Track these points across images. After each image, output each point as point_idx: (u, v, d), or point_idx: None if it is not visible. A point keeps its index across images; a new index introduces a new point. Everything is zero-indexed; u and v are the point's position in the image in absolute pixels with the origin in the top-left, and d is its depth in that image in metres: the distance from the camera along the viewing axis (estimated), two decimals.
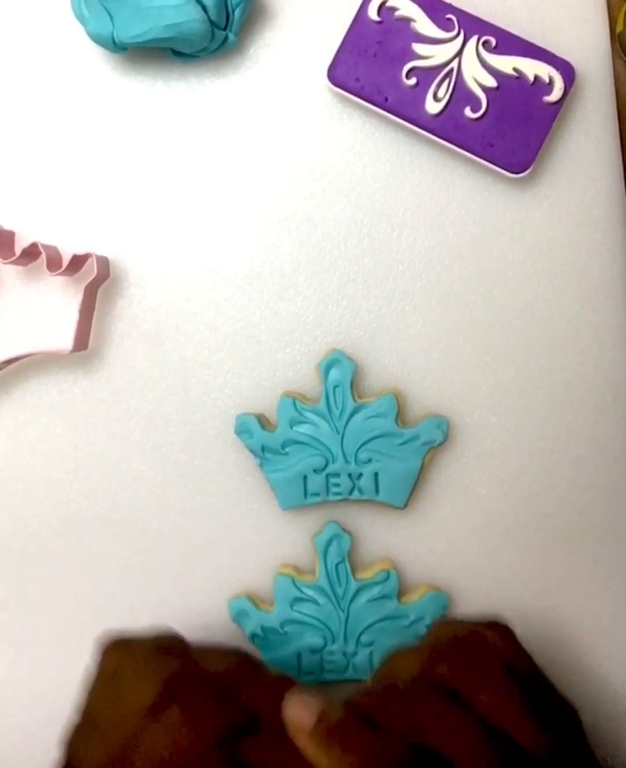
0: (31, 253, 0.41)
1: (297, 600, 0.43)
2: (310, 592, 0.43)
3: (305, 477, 0.42)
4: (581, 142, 0.44)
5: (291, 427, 0.42)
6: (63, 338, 0.42)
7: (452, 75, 0.41)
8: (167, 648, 0.35)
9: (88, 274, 0.41)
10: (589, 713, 0.44)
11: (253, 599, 0.43)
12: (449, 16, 0.41)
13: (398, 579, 0.43)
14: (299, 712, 0.32)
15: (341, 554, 0.43)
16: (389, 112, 0.41)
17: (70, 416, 0.44)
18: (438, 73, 0.41)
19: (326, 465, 0.42)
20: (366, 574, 0.43)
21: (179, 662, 0.34)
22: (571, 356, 0.45)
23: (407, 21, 0.41)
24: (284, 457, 0.42)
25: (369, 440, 0.42)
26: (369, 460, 0.42)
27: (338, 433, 0.42)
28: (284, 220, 0.43)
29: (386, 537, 0.44)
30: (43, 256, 0.40)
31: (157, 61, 0.43)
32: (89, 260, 0.42)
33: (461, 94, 0.41)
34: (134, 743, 0.31)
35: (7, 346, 0.43)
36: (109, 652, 0.35)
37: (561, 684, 0.34)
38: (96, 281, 0.41)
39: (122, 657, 0.35)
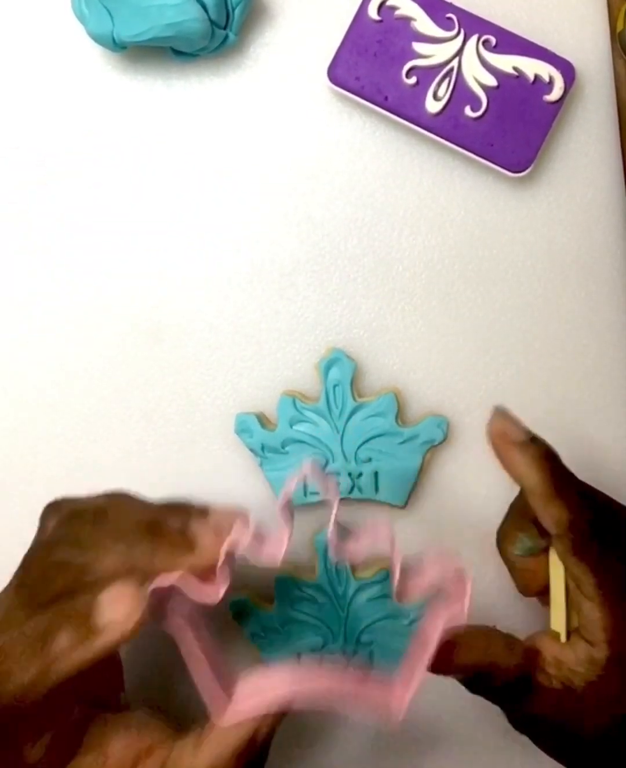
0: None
1: (297, 599, 0.43)
2: (310, 592, 0.43)
3: (304, 476, 0.42)
4: (581, 141, 0.44)
5: (291, 426, 0.42)
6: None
7: (452, 74, 0.41)
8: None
9: (451, 619, 0.33)
10: None
11: (253, 598, 0.43)
12: (449, 15, 0.41)
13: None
14: (511, 426, 0.35)
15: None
16: (389, 111, 0.41)
17: (70, 416, 0.44)
18: (438, 73, 0.41)
19: (326, 464, 0.42)
20: (366, 574, 0.43)
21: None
22: (571, 356, 0.44)
23: (407, 20, 0.41)
24: (284, 456, 0.42)
25: (369, 439, 0.42)
26: (369, 459, 0.42)
27: (338, 432, 0.42)
28: (284, 219, 0.43)
29: None
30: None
31: (157, 61, 0.43)
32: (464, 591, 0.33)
33: (461, 94, 0.41)
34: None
35: None
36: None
37: None
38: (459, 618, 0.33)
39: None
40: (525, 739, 0.36)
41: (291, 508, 0.34)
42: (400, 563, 0.33)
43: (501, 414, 0.36)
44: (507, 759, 0.45)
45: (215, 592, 0.32)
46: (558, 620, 0.36)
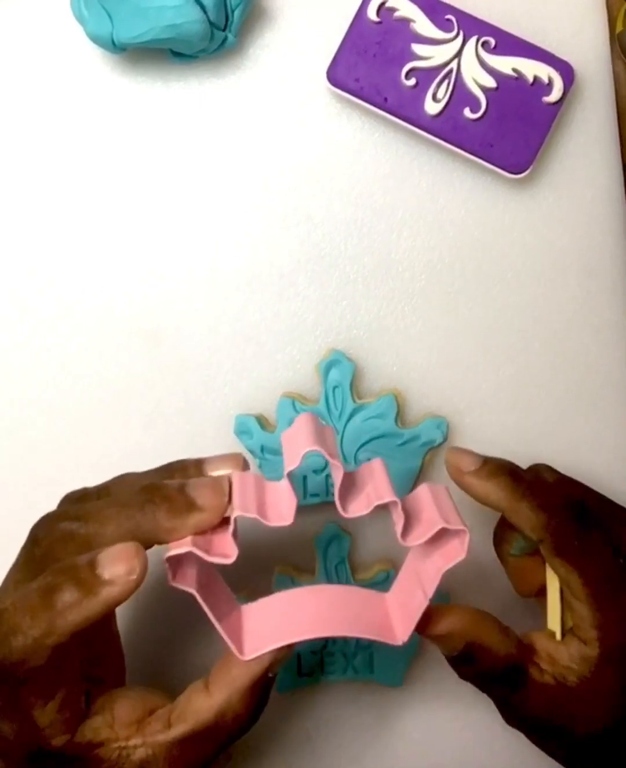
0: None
1: None
2: None
3: (304, 477, 0.42)
4: (580, 142, 0.44)
5: None
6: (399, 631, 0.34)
7: (451, 75, 0.41)
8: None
9: (450, 556, 0.33)
10: None
11: (252, 599, 0.43)
12: (448, 16, 0.41)
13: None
14: (463, 458, 0.36)
15: (340, 554, 0.43)
16: (388, 112, 0.41)
17: (70, 417, 0.44)
18: (438, 74, 0.41)
19: (326, 466, 0.42)
20: (366, 575, 0.43)
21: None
22: (571, 356, 0.45)
23: (406, 21, 0.41)
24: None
25: (369, 441, 0.42)
26: (369, 461, 0.42)
27: (337, 433, 0.42)
28: (283, 221, 0.43)
29: (385, 537, 0.44)
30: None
31: (156, 62, 0.43)
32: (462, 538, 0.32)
33: (460, 95, 0.41)
34: None
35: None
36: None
37: None
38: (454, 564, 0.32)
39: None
40: None
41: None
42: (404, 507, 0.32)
43: (451, 451, 0.37)
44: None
45: (227, 554, 0.31)
46: (553, 619, 0.36)
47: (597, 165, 0.44)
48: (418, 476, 0.43)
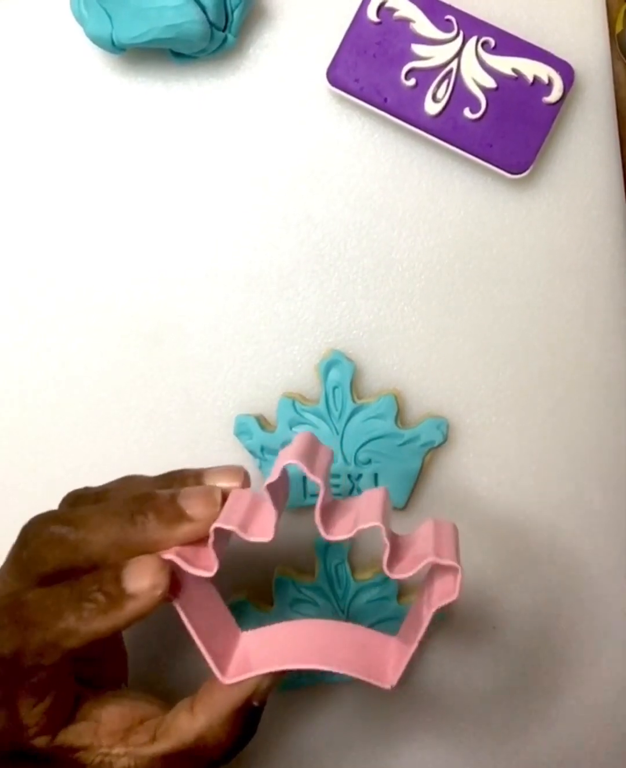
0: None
1: (296, 601, 0.43)
2: (309, 593, 0.43)
3: (304, 478, 0.42)
4: (580, 142, 0.44)
5: (291, 428, 0.42)
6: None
7: (451, 76, 0.41)
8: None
9: (442, 596, 0.31)
10: None
11: (252, 600, 0.43)
12: (448, 16, 0.41)
13: (397, 580, 0.43)
14: None
15: (340, 555, 0.43)
16: (388, 112, 0.41)
17: (70, 417, 0.44)
18: (437, 74, 0.41)
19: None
20: (366, 575, 0.43)
21: None
22: (571, 356, 0.45)
23: (406, 22, 0.41)
24: None
25: (369, 441, 0.42)
26: (369, 461, 0.42)
27: (337, 434, 0.42)
28: (283, 221, 0.43)
29: None
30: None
31: (156, 63, 0.43)
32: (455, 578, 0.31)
33: (460, 95, 0.41)
34: None
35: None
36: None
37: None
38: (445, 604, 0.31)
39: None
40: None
41: (286, 484, 0.33)
42: (392, 535, 0.32)
43: None
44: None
45: (209, 566, 0.31)
46: None
47: (597, 165, 0.44)
48: (418, 476, 0.43)
